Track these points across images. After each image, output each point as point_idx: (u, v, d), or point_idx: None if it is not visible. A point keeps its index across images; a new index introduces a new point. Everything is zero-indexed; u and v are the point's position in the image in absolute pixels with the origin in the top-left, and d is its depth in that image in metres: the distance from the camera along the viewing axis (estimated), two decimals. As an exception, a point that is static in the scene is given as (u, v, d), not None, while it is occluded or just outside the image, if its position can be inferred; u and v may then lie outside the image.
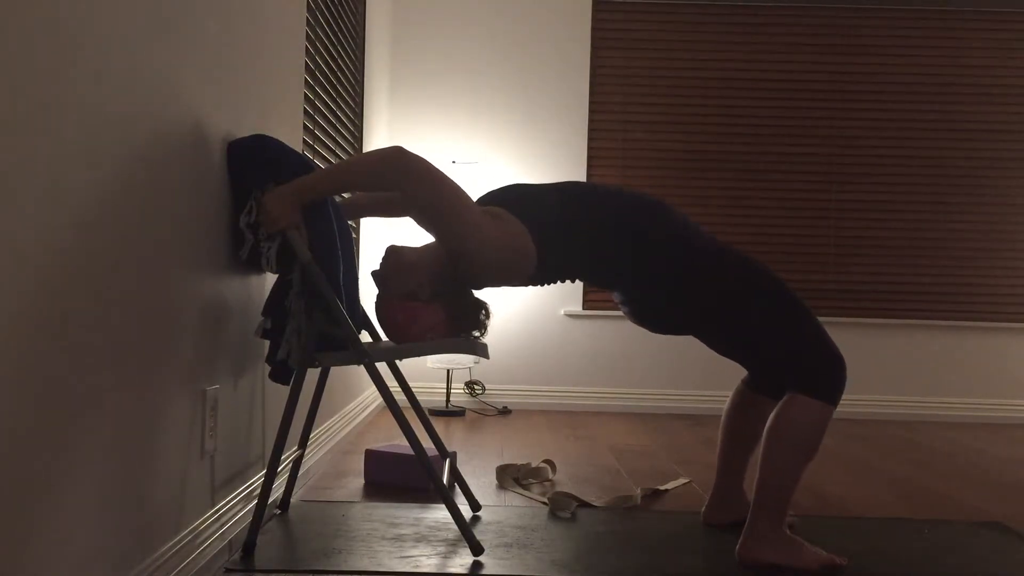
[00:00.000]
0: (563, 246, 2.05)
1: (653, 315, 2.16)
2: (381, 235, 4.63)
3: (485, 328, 2.17)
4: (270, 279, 2.37)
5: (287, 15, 2.55)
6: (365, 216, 2.41)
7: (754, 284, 2.07)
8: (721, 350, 2.19)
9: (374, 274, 2.12)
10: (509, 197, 2.09)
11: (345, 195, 2.58)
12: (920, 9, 5.08)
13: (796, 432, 2.04)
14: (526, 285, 2.12)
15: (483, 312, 2.16)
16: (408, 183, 1.93)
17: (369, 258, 4.25)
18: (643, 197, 2.12)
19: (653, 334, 5.01)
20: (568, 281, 2.21)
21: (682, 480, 2.98)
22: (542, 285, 2.15)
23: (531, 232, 2.01)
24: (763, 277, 2.08)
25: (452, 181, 1.97)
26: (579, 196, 2.08)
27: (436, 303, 2.10)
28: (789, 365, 2.08)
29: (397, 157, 1.92)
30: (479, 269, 2.03)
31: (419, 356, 2.17)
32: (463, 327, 2.14)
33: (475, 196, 3.71)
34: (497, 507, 2.53)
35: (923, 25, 5.09)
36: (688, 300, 2.09)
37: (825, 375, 2.07)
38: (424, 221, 2.17)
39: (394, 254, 2.10)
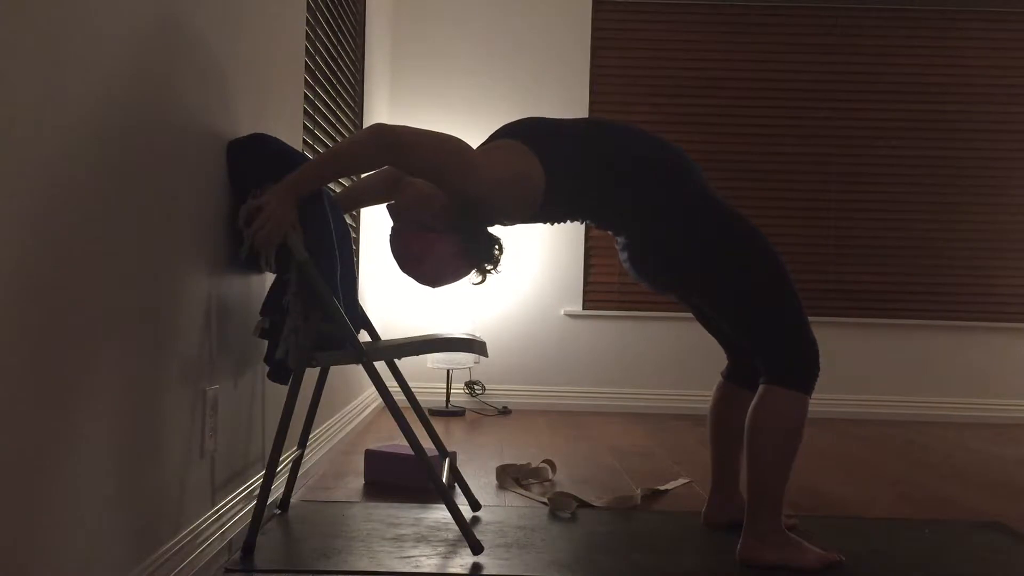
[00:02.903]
0: (572, 179, 2.02)
1: (650, 264, 2.11)
2: (381, 233, 4.62)
3: (498, 263, 2.14)
4: (270, 279, 2.37)
5: (287, 14, 2.55)
6: (364, 206, 2.39)
7: (756, 254, 2.05)
8: (704, 319, 2.16)
9: (389, 207, 2.09)
10: (523, 128, 2.07)
11: (339, 188, 2.56)
12: (919, 9, 5.08)
13: (777, 427, 2.03)
14: (532, 222, 2.11)
15: (497, 247, 2.12)
16: (399, 156, 1.91)
17: (369, 257, 4.25)
18: (662, 143, 2.10)
19: (653, 334, 5.01)
20: (576, 221, 2.19)
21: (682, 480, 2.98)
22: (550, 223, 2.12)
23: (542, 163, 1.99)
24: (767, 251, 2.06)
25: (440, 138, 1.93)
26: (595, 132, 2.07)
27: (450, 234, 2.06)
28: (770, 345, 2.06)
29: (382, 133, 1.89)
30: (486, 211, 2.03)
31: (417, 355, 2.17)
32: (477, 260, 2.11)
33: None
34: (497, 507, 2.53)
35: (922, 25, 5.09)
36: (689, 254, 2.06)
37: (802, 364, 2.05)
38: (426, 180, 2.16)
39: (409, 187, 2.07)
